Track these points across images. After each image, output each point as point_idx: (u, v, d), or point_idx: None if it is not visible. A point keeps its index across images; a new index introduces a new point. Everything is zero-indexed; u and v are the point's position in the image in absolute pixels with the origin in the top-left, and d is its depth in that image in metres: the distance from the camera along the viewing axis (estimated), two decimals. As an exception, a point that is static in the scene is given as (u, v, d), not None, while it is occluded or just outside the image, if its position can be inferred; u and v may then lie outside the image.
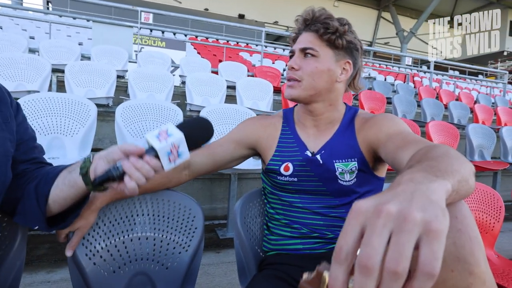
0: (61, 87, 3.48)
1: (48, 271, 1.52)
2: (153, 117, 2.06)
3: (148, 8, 6.25)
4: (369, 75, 8.32)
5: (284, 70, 7.37)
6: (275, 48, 12.94)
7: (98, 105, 2.00)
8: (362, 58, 0.93)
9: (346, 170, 0.85)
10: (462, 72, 10.81)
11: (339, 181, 0.86)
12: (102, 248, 0.85)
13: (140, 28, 5.51)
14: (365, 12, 21.03)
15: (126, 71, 4.15)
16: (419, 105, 4.66)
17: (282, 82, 5.36)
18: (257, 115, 1.96)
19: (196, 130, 0.68)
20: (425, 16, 17.90)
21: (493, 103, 6.63)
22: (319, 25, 0.85)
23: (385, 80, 8.39)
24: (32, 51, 4.59)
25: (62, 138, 1.82)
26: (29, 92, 2.13)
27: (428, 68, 7.64)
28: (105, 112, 2.74)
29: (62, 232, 0.80)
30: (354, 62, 0.90)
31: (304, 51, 0.87)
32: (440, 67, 10.17)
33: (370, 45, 19.95)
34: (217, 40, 10.64)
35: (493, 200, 1.40)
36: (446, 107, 4.82)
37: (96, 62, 3.68)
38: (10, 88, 2.25)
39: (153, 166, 0.62)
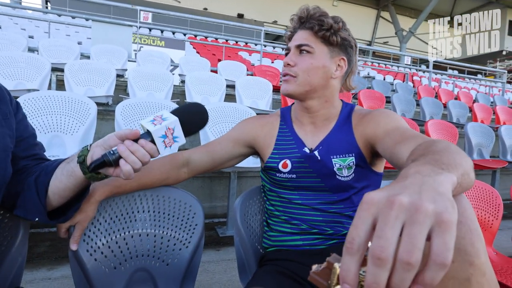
0: (60, 86, 3.48)
1: (49, 268, 1.52)
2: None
3: (147, 7, 6.25)
4: (368, 74, 8.33)
5: (283, 69, 7.33)
6: (274, 48, 12.95)
7: (97, 104, 2.00)
8: (356, 56, 0.94)
9: (343, 166, 0.86)
10: (461, 71, 10.84)
11: (337, 176, 0.86)
12: (103, 244, 0.85)
13: (140, 27, 5.51)
14: (364, 11, 21.04)
15: (126, 70, 4.15)
16: (418, 104, 4.67)
17: (281, 81, 5.35)
18: (256, 113, 1.97)
19: (191, 114, 0.69)
20: (424, 16, 17.92)
21: (492, 102, 6.64)
22: (313, 22, 0.86)
23: (384, 79, 8.40)
24: (31, 50, 4.58)
25: (62, 136, 1.82)
26: (29, 90, 2.13)
27: (427, 67, 7.65)
28: (105, 111, 2.74)
29: (62, 227, 0.80)
30: (349, 59, 0.91)
31: (299, 48, 0.88)
32: (439, 67, 10.19)
33: (369, 45, 19.97)
34: (216, 39, 10.64)
35: (491, 197, 1.41)
36: (445, 106, 4.83)
37: (95, 61, 3.68)
38: (9, 87, 2.26)
39: (149, 149, 0.62)
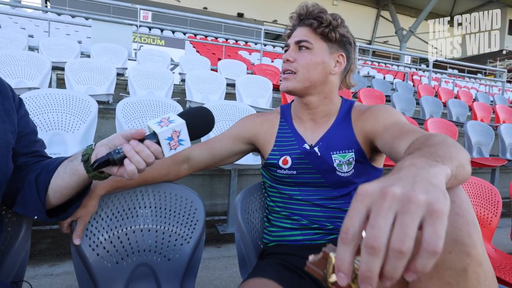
0: (61, 84, 3.49)
1: (51, 265, 1.53)
2: (153, 113, 2.08)
3: (147, 6, 6.25)
4: (368, 73, 8.33)
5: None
6: (274, 47, 12.94)
7: (98, 102, 2.00)
8: (356, 54, 0.95)
9: (343, 161, 0.87)
10: (461, 71, 10.84)
11: (337, 172, 0.87)
12: (105, 239, 0.86)
13: (140, 26, 5.51)
14: (364, 10, 21.03)
15: (126, 69, 4.16)
16: (418, 103, 4.68)
17: (281, 79, 5.35)
18: (256, 112, 1.97)
19: (198, 118, 0.69)
20: (424, 15, 17.91)
21: (491, 101, 6.65)
22: (312, 19, 0.88)
23: (384, 79, 8.40)
24: (31, 49, 4.58)
25: (63, 134, 1.83)
26: (29, 89, 2.14)
27: (427, 66, 7.65)
28: (105, 109, 2.75)
29: (64, 222, 0.80)
30: (348, 56, 0.92)
31: (298, 44, 0.89)
32: (439, 66, 10.18)
33: (369, 44, 19.95)
34: (216, 38, 10.63)
35: (490, 194, 1.42)
36: (445, 105, 4.84)
37: (96, 60, 3.68)
38: (10, 85, 2.25)
39: (154, 151, 0.62)
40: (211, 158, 0.96)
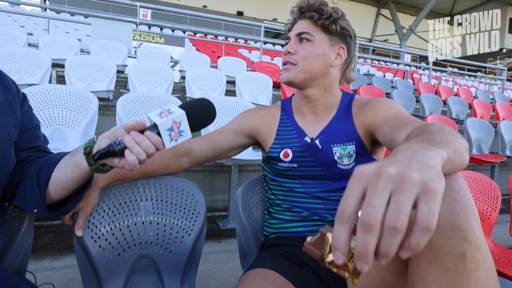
0: (61, 81, 3.49)
1: (53, 259, 1.54)
2: (154, 109, 2.08)
3: (147, 3, 6.24)
4: (368, 71, 8.33)
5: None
6: (274, 45, 12.90)
7: (98, 99, 2.00)
8: (356, 47, 0.96)
9: (344, 154, 0.87)
10: (461, 69, 10.83)
11: (338, 165, 0.87)
12: (107, 231, 0.87)
13: (139, 23, 5.50)
14: (364, 9, 21.00)
15: (126, 66, 4.15)
16: (417, 101, 4.68)
17: (281, 72, 5.34)
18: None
19: (198, 109, 0.69)
20: (424, 13, 17.88)
21: (491, 99, 6.65)
22: (313, 11, 0.88)
23: (384, 77, 8.39)
24: (31, 46, 4.58)
25: (64, 129, 1.83)
26: (29, 85, 2.14)
27: (427, 64, 7.65)
28: (106, 106, 2.75)
29: (67, 214, 0.81)
30: (348, 49, 0.93)
31: (299, 36, 0.89)
32: (439, 64, 10.18)
33: (369, 42, 19.91)
34: (216, 36, 10.62)
35: (490, 189, 1.42)
36: (444, 102, 4.84)
37: (96, 57, 3.68)
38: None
39: (154, 142, 0.63)
40: (211, 151, 0.96)
